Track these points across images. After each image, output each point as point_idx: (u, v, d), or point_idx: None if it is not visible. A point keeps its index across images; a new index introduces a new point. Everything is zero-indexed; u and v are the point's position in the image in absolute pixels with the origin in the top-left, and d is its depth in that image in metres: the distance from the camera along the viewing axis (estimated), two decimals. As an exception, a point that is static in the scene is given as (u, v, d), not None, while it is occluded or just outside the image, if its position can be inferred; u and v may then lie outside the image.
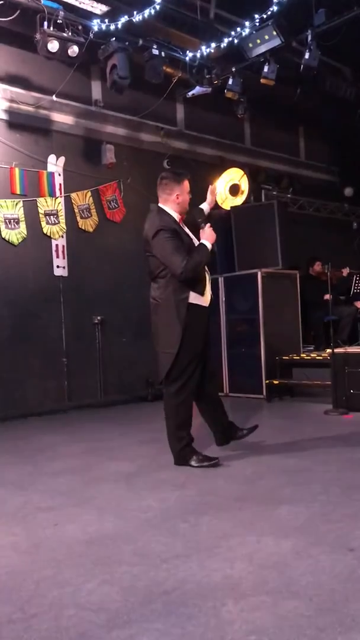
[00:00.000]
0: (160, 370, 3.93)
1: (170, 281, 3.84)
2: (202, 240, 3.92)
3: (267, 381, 7.16)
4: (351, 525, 2.67)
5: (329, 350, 6.41)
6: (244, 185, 8.93)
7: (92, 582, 2.21)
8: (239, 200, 8.84)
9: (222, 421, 4.23)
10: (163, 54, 6.68)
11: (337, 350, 6.27)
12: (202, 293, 3.90)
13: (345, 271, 8.13)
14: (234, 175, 8.93)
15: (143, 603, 2.01)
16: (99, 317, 7.34)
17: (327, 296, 7.12)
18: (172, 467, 3.94)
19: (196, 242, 3.96)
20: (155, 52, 6.60)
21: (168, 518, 2.90)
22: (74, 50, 6.09)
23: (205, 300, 3.93)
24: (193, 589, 2.10)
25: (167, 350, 3.87)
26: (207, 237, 3.91)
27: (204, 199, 4.42)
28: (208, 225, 3.94)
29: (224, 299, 7.77)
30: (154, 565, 2.32)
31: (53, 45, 5.95)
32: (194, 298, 3.87)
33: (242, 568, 2.25)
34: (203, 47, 6.87)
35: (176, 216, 3.97)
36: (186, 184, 3.98)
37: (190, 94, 7.65)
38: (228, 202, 8.73)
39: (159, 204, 4.01)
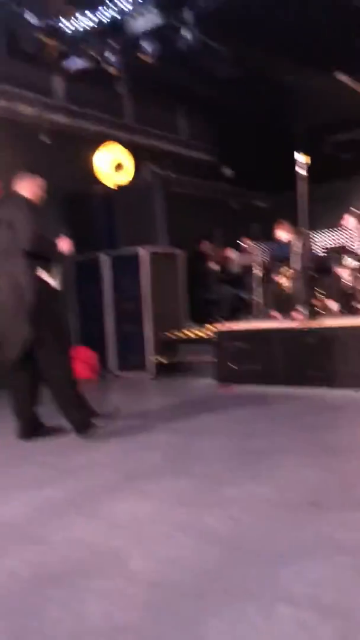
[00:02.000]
0: (15, 343, 3.98)
1: (22, 256, 3.97)
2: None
3: (154, 359, 7.26)
4: (231, 495, 2.81)
5: (212, 327, 6.62)
6: (127, 162, 8.87)
7: None
8: (123, 178, 8.78)
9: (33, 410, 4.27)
10: (40, 23, 6.40)
11: (219, 327, 6.49)
12: (49, 274, 4.09)
13: (230, 251, 8.39)
14: (117, 153, 8.84)
15: None
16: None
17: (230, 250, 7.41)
18: (47, 453, 3.91)
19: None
20: (32, 20, 6.30)
21: (59, 503, 2.89)
22: None
23: (52, 281, 4.12)
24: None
25: (19, 324, 3.95)
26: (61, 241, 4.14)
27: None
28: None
29: (109, 277, 7.73)
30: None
31: None
32: (44, 275, 4.05)
33: (128, 543, 2.30)
34: (83, 19, 6.67)
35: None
36: (39, 180, 4.26)
37: (69, 67, 7.42)
38: (112, 179, 8.64)
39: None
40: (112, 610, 1.82)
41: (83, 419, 4.05)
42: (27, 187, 4.19)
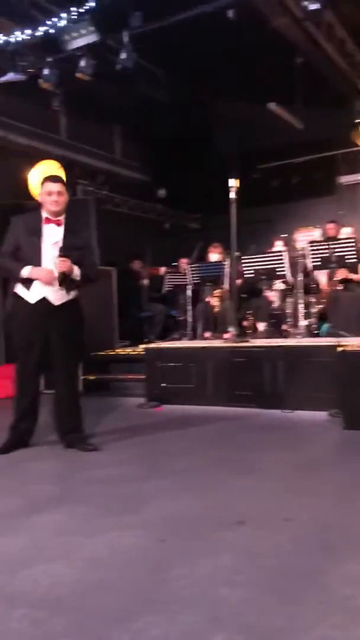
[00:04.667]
0: None
1: None
2: (27, 267, 3.93)
3: (83, 377, 7.14)
4: (158, 520, 2.79)
5: (143, 346, 6.61)
6: (60, 178, 8.78)
7: None
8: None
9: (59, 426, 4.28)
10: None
11: (150, 345, 6.49)
12: (28, 289, 3.99)
13: (162, 270, 8.45)
14: (50, 167, 8.73)
15: None
16: None
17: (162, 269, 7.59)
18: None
19: (43, 254, 3.97)
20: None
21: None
22: None
23: (30, 296, 3.99)
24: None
25: None
26: (35, 271, 3.93)
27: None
28: (53, 268, 3.93)
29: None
30: None
31: None
32: (20, 289, 4.01)
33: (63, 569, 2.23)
34: (17, 33, 6.62)
35: (44, 215, 4.07)
36: (46, 184, 4.08)
37: (2, 79, 7.32)
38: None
39: None
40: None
41: None
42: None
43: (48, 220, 4.04)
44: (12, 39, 6.65)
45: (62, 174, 8.71)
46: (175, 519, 2.73)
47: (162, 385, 6.22)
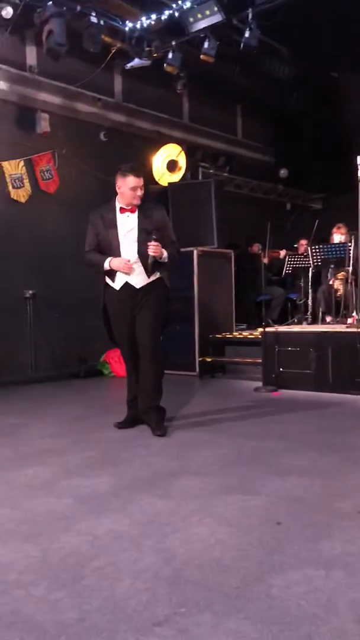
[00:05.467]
0: None
1: None
2: (109, 258, 4.10)
3: (200, 359, 7.25)
4: (275, 502, 2.77)
5: (260, 329, 6.56)
6: (182, 161, 8.90)
7: (22, 560, 2.19)
8: (176, 176, 8.81)
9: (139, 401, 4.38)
10: (102, 22, 6.49)
11: (268, 329, 6.42)
12: (112, 280, 4.18)
13: (283, 253, 8.30)
14: (172, 151, 8.88)
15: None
16: (30, 291, 7.17)
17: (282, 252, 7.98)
18: (99, 445, 3.95)
19: (121, 243, 4.12)
20: (94, 20, 6.40)
21: (98, 496, 2.91)
22: (7, 11, 5.86)
23: (115, 285, 4.18)
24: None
25: None
26: (114, 262, 4.09)
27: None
28: (131, 257, 4.08)
29: (159, 276, 7.75)
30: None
31: (-15, 5, 5.68)
32: (107, 279, 4.23)
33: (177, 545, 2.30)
34: (143, 19, 6.74)
35: (118, 206, 4.16)
36: (130, 179, 4.10)
37: (129, 65, 7.50)
38: (165, 178, 8.68)
39: None
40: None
41: None
42: (117, 189, 4.15)
43: (123, 210, 4.17)
44: (138, 25, 6.78)
45: (181, 156, 8.86)
46: (292, 502, 2.71)
47: (280, 369, 6.14)
